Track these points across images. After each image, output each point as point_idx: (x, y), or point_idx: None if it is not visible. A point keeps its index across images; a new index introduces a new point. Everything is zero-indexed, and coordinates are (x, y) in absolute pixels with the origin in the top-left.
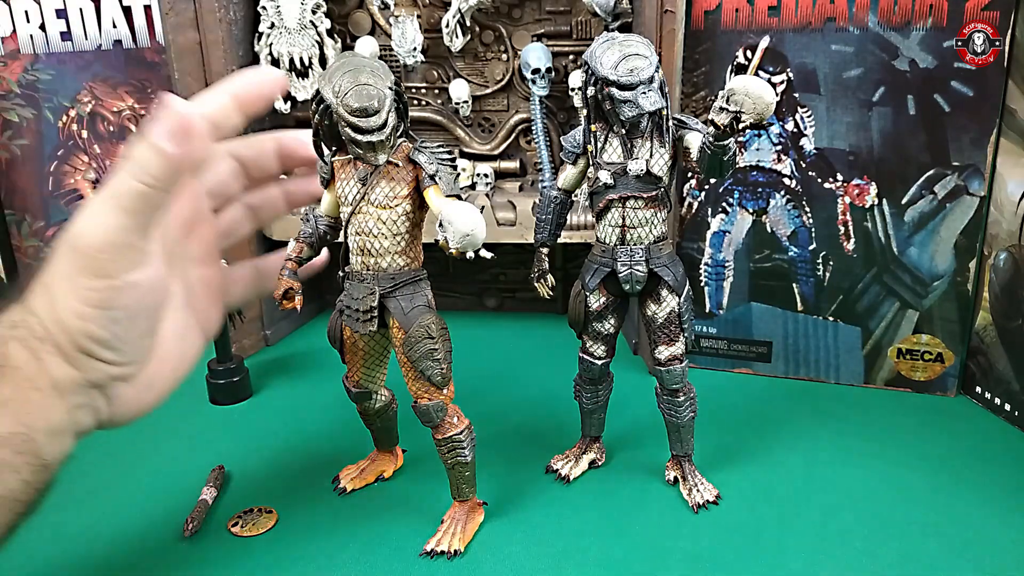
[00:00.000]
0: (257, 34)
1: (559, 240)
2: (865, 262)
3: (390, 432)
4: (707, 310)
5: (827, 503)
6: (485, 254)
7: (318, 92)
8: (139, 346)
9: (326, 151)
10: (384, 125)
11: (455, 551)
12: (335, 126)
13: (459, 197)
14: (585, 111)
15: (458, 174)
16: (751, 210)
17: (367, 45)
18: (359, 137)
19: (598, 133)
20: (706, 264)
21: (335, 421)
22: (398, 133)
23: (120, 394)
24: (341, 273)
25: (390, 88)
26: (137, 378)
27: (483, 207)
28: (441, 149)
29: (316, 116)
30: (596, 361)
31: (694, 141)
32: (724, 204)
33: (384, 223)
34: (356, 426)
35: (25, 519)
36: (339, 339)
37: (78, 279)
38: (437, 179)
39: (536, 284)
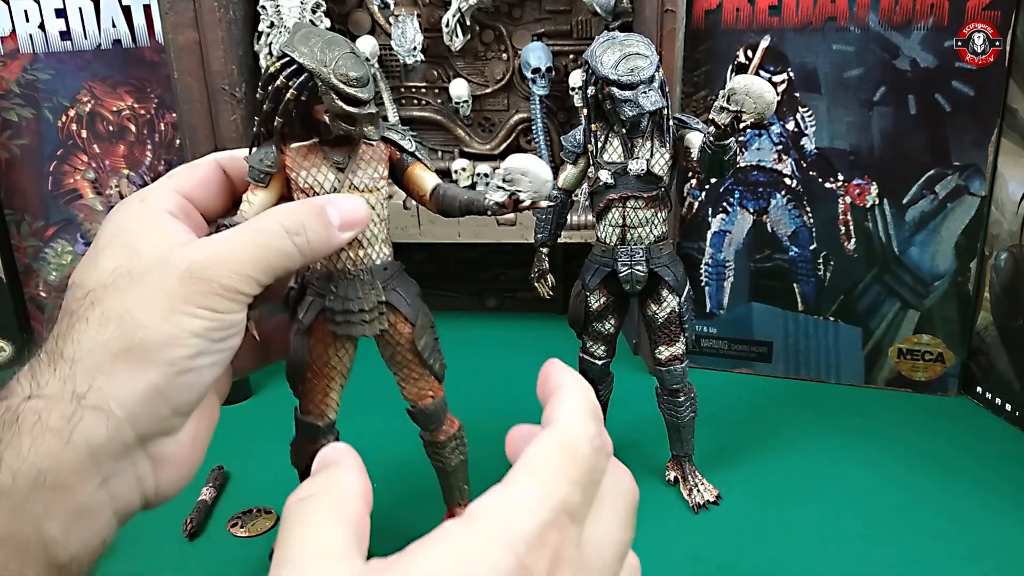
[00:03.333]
0: (257, 33)
1: (559, 240)
2: (866, 262)
3: None
4: (707, 310)
5: (827, 503)
6: (547, 203)
7: (285, 65)
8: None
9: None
10: (373, 96)
11: None
12: (309, 103)
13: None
14: (585, 111)
15: (425, 149)
16: (752, 210)
17: (367, 44)
18: (357, 110)
19: (598, 133)
20: (706, 264)
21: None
22: None
23: (166, 454)
24: (296, 284)
25: (367, 58)
26: (181, 433)
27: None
28: (403, 127)
29: (285, 92)
30: (596, 361)
31: (695, 141)
32: (725, 204)
33: (373, 207)
34: (358, 428)
35: None
36: (305, 364)
37: (184, 307)
38: (419, 156)
39: (536, 284)
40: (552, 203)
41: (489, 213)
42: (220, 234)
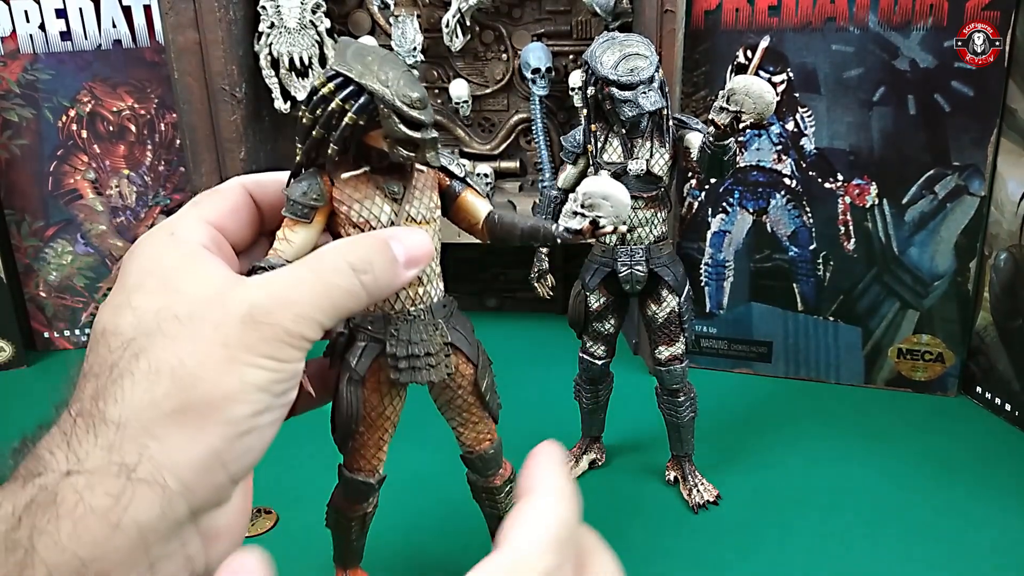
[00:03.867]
0: (257, 34)
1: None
2: (865, 262)
3: (365, 536)
4: (707, 310)
5: (827, 503)
6: (625, 227)
7: (339, 86)
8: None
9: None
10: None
11: None
12: (367, 128)
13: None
14: (585, 111)
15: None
16: (751, 210)
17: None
18: (420, 135)
19: (598, 133)
20: (706, 264)
21: None
22: None
23: (217, 527)
24: (346, 329)
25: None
26: (234, 499)
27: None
28: (449, 151)
29: (342, 117)
30: (596, 361)
31: (694, 141)
32: (724, 204)
33: (432, 240)
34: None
35: None
36: (357, 417)
37: (246, 356)
38: (471, 182)
39: (536, 284)
40: (627, 228)
41: (560, 241)
42: (275, 272)
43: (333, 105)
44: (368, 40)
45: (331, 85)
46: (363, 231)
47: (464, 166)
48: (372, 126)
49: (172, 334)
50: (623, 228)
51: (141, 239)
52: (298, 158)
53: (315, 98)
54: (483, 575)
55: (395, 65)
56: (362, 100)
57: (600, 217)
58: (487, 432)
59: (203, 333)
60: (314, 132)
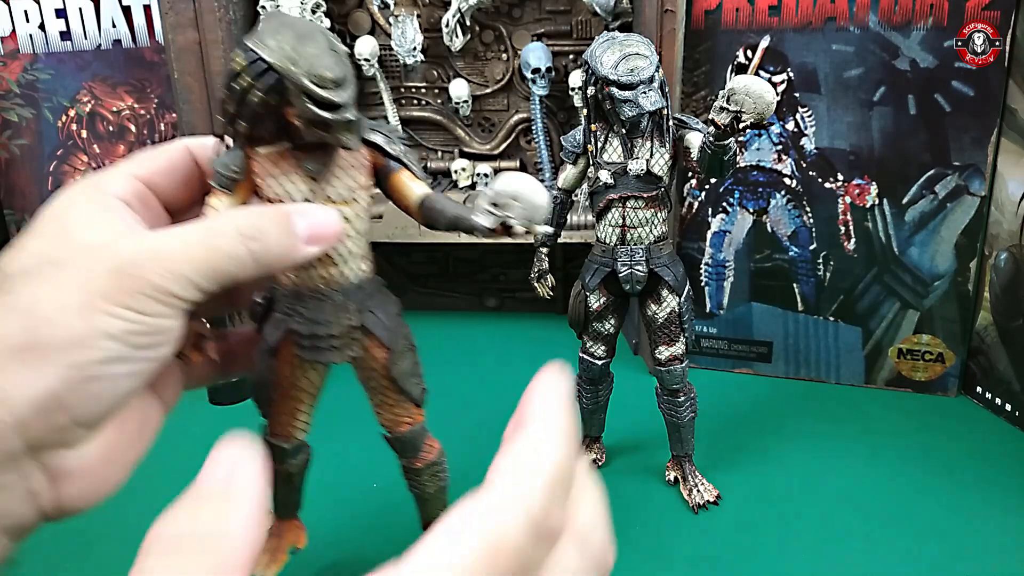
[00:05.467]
0: None
1: (559, 240)
2: (866, 262)
3: (300, 492)
4: (707, 310)
5: (827, 503)
6: (542, 229)
7: (250, 62)
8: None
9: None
10: (353, 99)
11: None
12: (280, 106)
13: (429, 183)
14: (585, 111)
15: (415, 153)
16: (751, 210)
17: (367, 45)
18: (332, 116)
19: (598, 133)
20: (706, 264)
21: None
22: None
23: (68, 468)
24: (262, 300)
25: (347, 53)
26: (89, 445)
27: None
28: (386, 124)
29: (248, 94)
30: (596, 361)
31: (694, 141)
32: (724, 204)
33: (349, 221)
34: (358, 430)
35: None
36: (271, 385)
37: (103, 304)
38: (407, 162)
39: (536, 284)
40: (545, 235)
41: (477, 235)
42: (168, 229)
43: (243, 82)
44: (368, 42)
45: (242, 60)
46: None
47: (404, 140)
48: (286, 104)
49: (43, 276)
50: (540, 230)
51: (68, 187)
52: (218, 131)
53: (229, 74)
54: (465, 514)
55: (315, 42)
56: (269, 78)
57: (509, 218)
58: (406, 415)
59: (69, 277)
60: (228, 108)
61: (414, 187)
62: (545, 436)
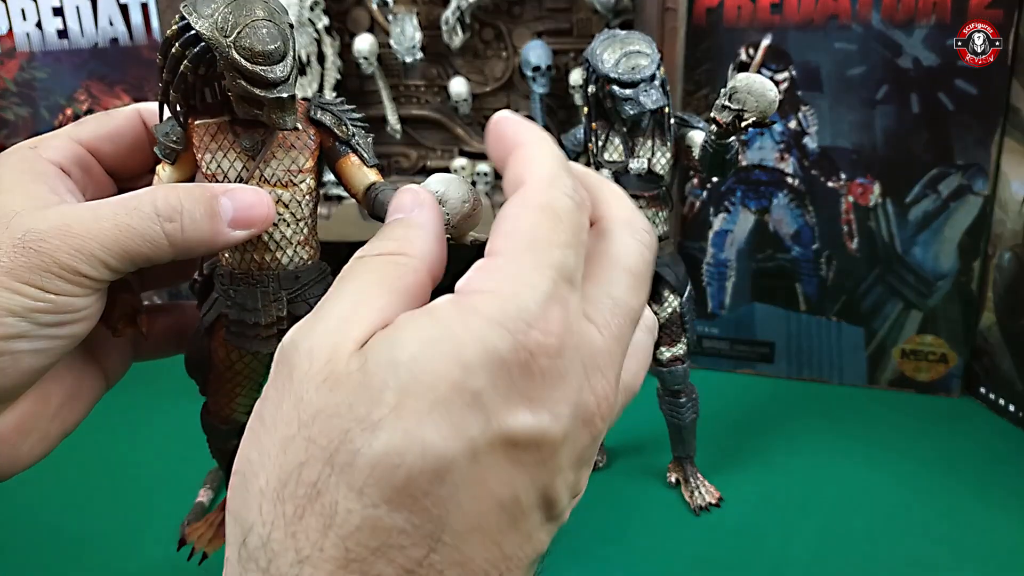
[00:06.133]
0: None
1: None
2: (869, 262)
3: None
4: (709, 310)
5: (830, 505)
6: (480, 236)
7: (182, 30)
8: (21, 370)
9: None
10: (291, 75)
11: None
12: (211, 78)
13: (380, 168)
14: (586, 109)
15: (372, 136)
16: (753, 209)
17: (365, 42)
18: (263, 93)
19: (599, 131)
20: (708, 264)
21: None
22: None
23: None
24: (199, 276)
25: (290, 24)
26: (3, 419)
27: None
28: (347, 106)
29: (179, 64)
30: None
31: (696, 139)
32: (726, 203)
33: (287, 206)
34: None
35: None
36: (206, 364)
37: (4, 279)
38: (355, 146)
39: None
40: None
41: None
42: (84, 203)
43: (174, 50)
44: (367, 39)
45: (175, 28)
46: (211, 183)
47: (357, 123)
48: (219, 76)
49: None
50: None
51: (7, 150)
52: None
53: (163, 41)
54: (521, 214)
55: (248, 10)
56: (198, 48)
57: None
58: None
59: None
60: (163, 76)
61: (360, 175)
62: (537, 142)
